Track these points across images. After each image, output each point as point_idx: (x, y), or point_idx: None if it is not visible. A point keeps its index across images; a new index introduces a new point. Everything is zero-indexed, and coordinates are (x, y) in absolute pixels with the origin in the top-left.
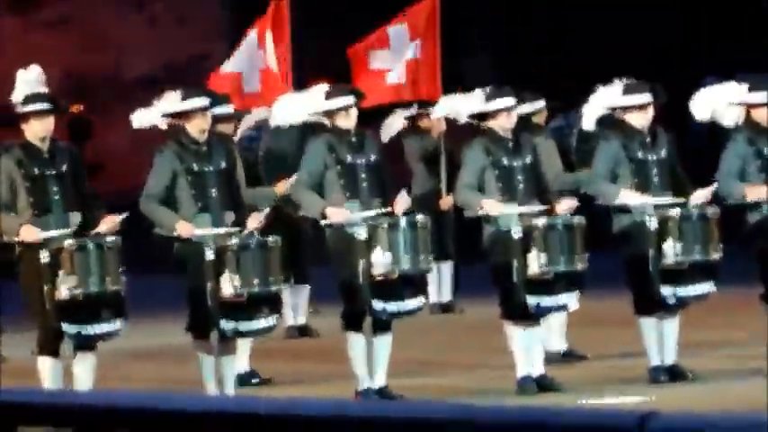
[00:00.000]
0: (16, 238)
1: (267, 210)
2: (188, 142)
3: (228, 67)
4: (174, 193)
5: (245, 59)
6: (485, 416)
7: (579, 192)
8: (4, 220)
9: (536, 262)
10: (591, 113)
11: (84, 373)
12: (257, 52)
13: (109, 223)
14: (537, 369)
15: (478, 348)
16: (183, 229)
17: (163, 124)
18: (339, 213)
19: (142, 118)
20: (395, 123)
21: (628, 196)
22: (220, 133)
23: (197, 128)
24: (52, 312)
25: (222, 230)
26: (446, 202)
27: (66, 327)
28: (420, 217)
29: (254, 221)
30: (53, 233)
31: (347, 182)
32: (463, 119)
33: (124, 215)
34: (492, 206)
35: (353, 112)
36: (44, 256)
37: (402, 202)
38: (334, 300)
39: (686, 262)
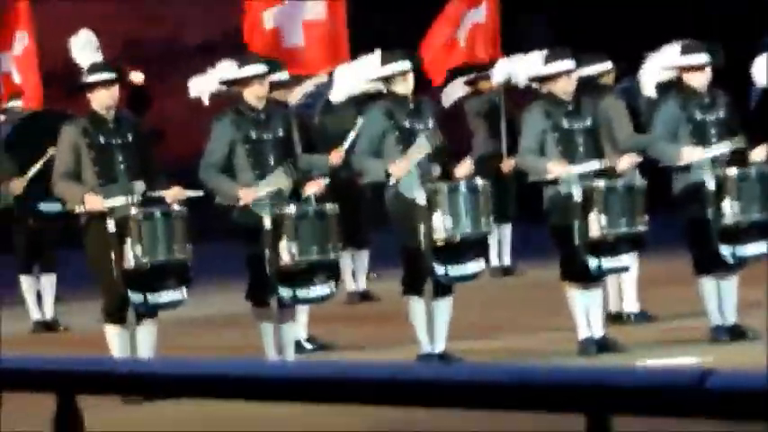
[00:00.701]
0: (80, 208)
1: (327, 179)
2: (246, 110)
3: (269, 23)
4: (233, 162)
5: (285, 12)
6: (542, 378)
7: (647, 153)
8: (68, 189)
9: (596, 224)
10: (649, 77)
11: (145, 342)
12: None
13: (174, 192)
14: (597, 330)
15: (539, 310)
16: (246, 195)
17: (220, 92)
18: (399, 166)
19: (198, 86)
20: (456, 88)
21: (688, 153)
22: (276, 100)
23: (254, 95)
24: (119, 280)
25: (280, 185)
26: (507, 164)
27: (132, 295)
28: (480, 181)
29: (314, 187)
30: (117, 201)
31: (406, 147)
32: (523, 82)
33: (194, 193)
34: (557, 168)
35: (410, 78)
36: (111, 225)
37: (465, 167)
38: (394, 264)
39: (745, 221)
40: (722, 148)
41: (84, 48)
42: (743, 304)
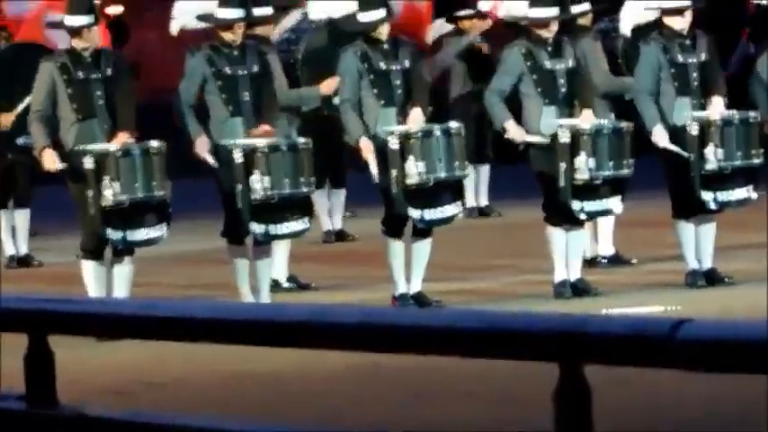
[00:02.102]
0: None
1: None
2: (221, 46)
3: None
4: (206, 97)
5: None
6: (515, 325)
7: (625, 96)
8: (35, 135)
9: (584, 166)
10: (629, 18)
11: (122, 279)
12: None
13: (120, 139)
14: (574, 273)
15: (515, 252)
16: (199, 146)
17: (196, 24)
18: (368, 148)
19: (179, 19)
20: (439, 26)
21: (658, 135)
22: (259, 36)
23: (229, 35)
24: (97, 217)
25: (250, 141)
26: None
27: (110, 232)
28: (454, 124)
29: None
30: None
31: (381, 90)
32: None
33: (132, 140)
34: (515, 133)
35: (386, 25)
36: (88, 162)
37: (416, 118)
38: (370, 203)
39: (728, 167)
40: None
41: None
42: (721, 249)
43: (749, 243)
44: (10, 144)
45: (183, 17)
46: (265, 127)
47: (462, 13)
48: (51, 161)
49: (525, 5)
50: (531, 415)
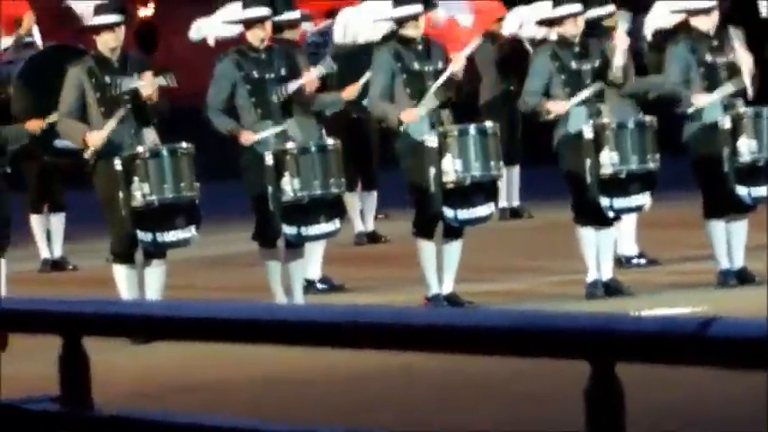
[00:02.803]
0: (85, 150)
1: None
2: (248, 50)
3: None
4: (235, 102)
5: None
6: (547, 324)
7: (649, 96)
8: (70, 127)
9: (608, 161)
10: (653, 20)
11: (154, 281)
12: None
13: (147, 79)
14: (606, 273)
15: (547, 253)
16: (245, 137)
17: (223, 32)
18: (410, 113)
19: (201, 29)
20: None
21: (699, 99)
22: (286, 39)
23: (256, 36)
24: (127, 220)
25: (280, 128)
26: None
27: (140, 234)
28: (489, 124)
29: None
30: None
31: (413, 90)
32: (532, 31)
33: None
34: (556, 106)
35: (422, 21)
36: (117, 164)
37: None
38: (402, 205)
39: (761, 160)
40: (727, 89)
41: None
42: (751, 248)
43: None
44: (47, 147)
45: (204, 31)
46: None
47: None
48: (98, 138)
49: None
50: (562, 415)
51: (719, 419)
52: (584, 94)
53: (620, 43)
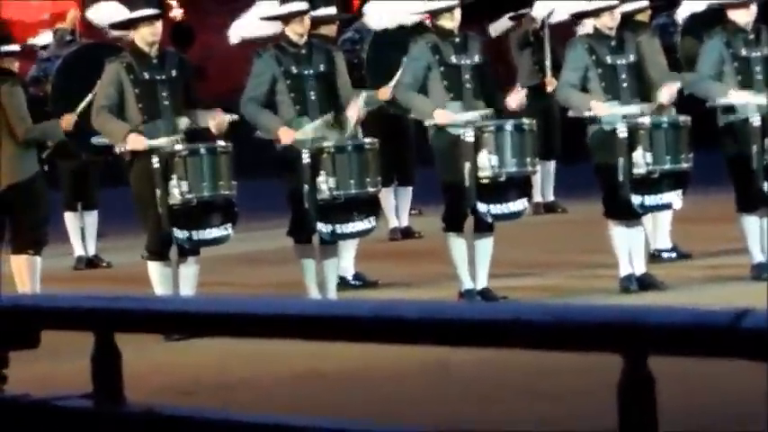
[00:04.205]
0: (121, 147)
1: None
2: (287, 45)
3: None
4: (274, 97)
5: None
6: (579, 317)
7: (683, 92)
8: (110, 124)
9: (642, 160)
10: (688, 8)
11: (188, 278)
12: None
13: (218, 119)
14: (639, 268)
15: (581, 248)
16: (285, 135)
17: (263, 30)
18: (447, 115)
19: (240, 30)
20: (502, 23)
21: (735, 95)
22: (323, 35)
23: (294, 31)
24: (164, 218)
25: (320, 121)
26: (551, 82)
27: (177, 232)
28: (526, 120)
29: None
30: (161, 140)
31: (451, 83)
32: (564, 17)
33: (234, 117)
34: (600, 108)
35: (458, 13)
36: (155, 162)
37: (517, 98)
38: (437, 201)
39: None
40: (763, 99)
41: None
42: None
43: None
44: (84, 144)
45: (242, 32)
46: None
47: (524, 11)
48: (140, 141)
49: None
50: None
51: (753, 414)
52: (631, 109)
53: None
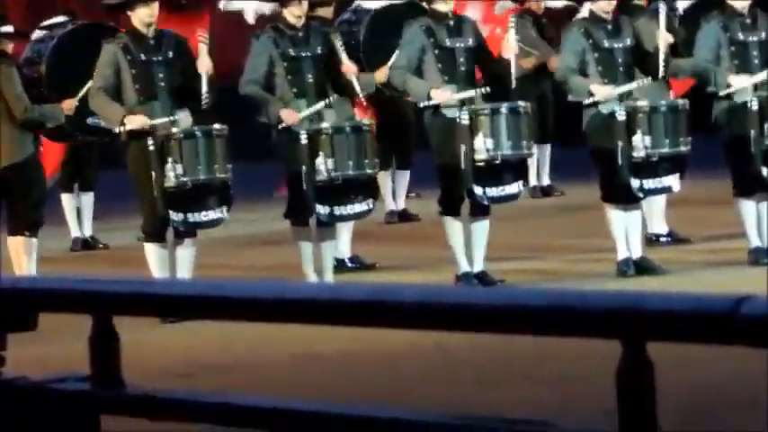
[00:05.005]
0: (119, 128)
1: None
2: (284, 28)
3: None
4: (271, 79)
5: None
6: (577, 303)
7: (679, 78)
8: (108, 106)
9: (641, 144)
10: None
11: (185, 260)
12: None
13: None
14: (636, 251)
15: (577, 231)
16: (289, 116)
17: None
18: (443, 94)
19: (234, 2)
20: (504, 6)
21: (737, 80)
22: (320, 17)
23: (292, 14)
24: (160, 200)
25: (321, 105)
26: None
27: (172, 214)
28: (522, 103)
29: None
30: (159, 120)
31: (445, 66)
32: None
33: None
34: (602, 91)
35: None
36: (151, 144)
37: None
38: (433, 184)
39: None
40: (764, 75)
41: None
42: None
43: None
44: (80, 124)
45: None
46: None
47: None
48: (139, 119)
49: None
50: (593, 395)
51: (752, 400)
52: (630, 86)
53: (663, 40)
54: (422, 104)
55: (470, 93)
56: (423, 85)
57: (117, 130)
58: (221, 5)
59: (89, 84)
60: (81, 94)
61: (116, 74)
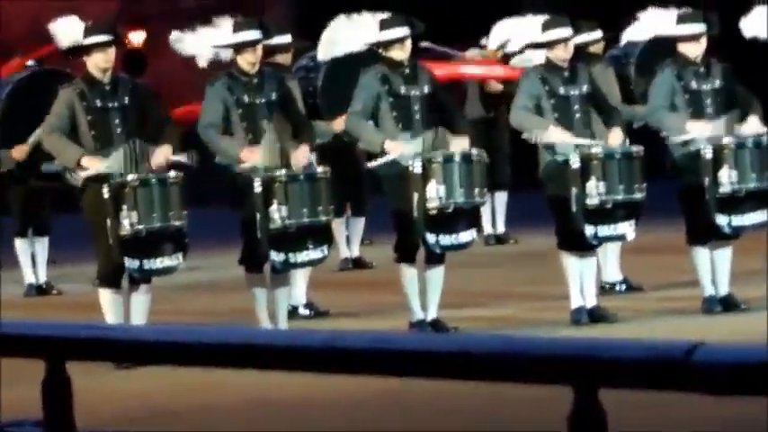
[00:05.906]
0: (74, 174)
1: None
2: (238, 74)
3: None
4: (227, 125)
5: None
6: (530, 349)
7: (632, 125)
8: (63, 147)
9: (595, 191)
10: (631, 35)
11: (139, 306)
12: None
13: (160, 156)
14: (590, 300)
15: (532, 279)
16: (248, 155)
17: (209, 55)
18: (398, 146)
19: (191, 46)
20: (472, 52)
21: (693, 128)
22: (276, 64)
23: (246, 61)
24: (115, 246)
25: (275, 153)
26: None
27: (127, 261)
28: (475, 151)
29: (302, 155)
30: (115, 165)
31: (400, 114)
32: (517, 47)
33: (182, 157)
34: (560, 135)
35: (408, 44)
36: (106, 192)
37: (462, 141)
38: (387, 231)
39: (742, 190)
40: (720, 122)
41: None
42: (736, 275)
43: (760, 268)
44: (34, 171)
45: (190, 49)
46: (305, 149)
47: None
48: (96, 162)
49: (520, 32)
50: None
51: None
52: (585, 141)
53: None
54: (374, 163)
55: (421, 145)
56: (375, 135)
57: (71, 177)
58: (174, 45)
59: (39, 130)
60: (32, 139)
61: (71, 119)
